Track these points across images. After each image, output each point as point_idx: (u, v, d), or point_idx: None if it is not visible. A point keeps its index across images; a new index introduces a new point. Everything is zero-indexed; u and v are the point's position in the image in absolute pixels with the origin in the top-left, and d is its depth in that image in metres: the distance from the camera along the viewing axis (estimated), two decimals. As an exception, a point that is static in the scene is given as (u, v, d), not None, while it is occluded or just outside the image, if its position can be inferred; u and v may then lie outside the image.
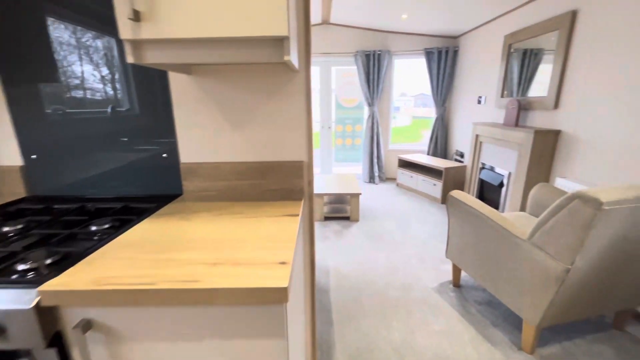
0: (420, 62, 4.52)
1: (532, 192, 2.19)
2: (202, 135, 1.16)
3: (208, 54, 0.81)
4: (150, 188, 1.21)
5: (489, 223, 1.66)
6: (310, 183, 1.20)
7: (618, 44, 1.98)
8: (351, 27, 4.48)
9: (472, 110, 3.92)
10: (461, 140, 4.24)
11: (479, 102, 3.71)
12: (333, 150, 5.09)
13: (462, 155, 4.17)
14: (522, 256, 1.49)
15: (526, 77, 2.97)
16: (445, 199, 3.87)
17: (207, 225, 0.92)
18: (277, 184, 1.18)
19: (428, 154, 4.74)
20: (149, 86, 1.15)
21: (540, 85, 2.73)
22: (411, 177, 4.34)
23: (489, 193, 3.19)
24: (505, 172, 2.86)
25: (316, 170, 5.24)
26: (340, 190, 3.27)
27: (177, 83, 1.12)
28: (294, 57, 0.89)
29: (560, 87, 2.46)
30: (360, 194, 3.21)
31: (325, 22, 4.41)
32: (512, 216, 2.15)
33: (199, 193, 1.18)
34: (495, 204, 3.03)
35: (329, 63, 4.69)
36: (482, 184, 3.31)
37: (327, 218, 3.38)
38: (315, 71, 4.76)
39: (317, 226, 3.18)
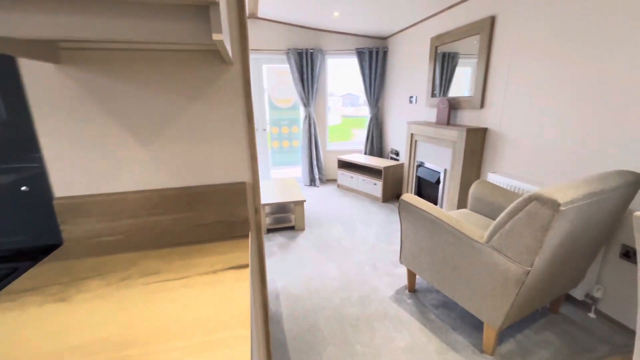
0: (353, 62, 4.51)
1: (472, 189, 2.27)
2: (88, 154, 0.79)
3: (84, 25, 0.49)
4: (3, 238, 0.78)
5: (445, 227, 1.60)
6: (258, 210, 0.93)
7: (532, 48, 2.16)
8: (282, 23, 4.22)
9: (405, 109, 4.05)
10: (396, 139, 4.37)
11: (411, 101, 3.84)
12: (270, 153, 4.77)
13: (397, 154, 4.30)
14: (480, 260, 1.45)
15: (449, 78, 3.15)
16: (386, 197, 3.92)
17: (99, 309, 0.57)
18: (211, 216, 0.87)
19: (365, 153, 4.79)
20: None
21: (468, 85, 2.90)
22: (351, 177, 4.31)
23: (427, 190, 3.31)
24: (441, 169, 2.97)
25: (252, 176, 4.86)
26: (283, 198, 3.01)
27: (38, 75, 0.73)
28: (226, 40, 0.61)
29: (485, 88, 2.62)
30: (305, 200, 3.00)
31: (253, 15, 4.06)
32: (457, 214, 2.19)
33: (90, 241, 0.80)
34: (433, 200, 3.15)
35: (259, 61, 4.35)
36: (420, 181, 3.42)
37: (270, 230, 3.08)
38: (244, 69, 4.37)
39: (260, 241, 2.86)
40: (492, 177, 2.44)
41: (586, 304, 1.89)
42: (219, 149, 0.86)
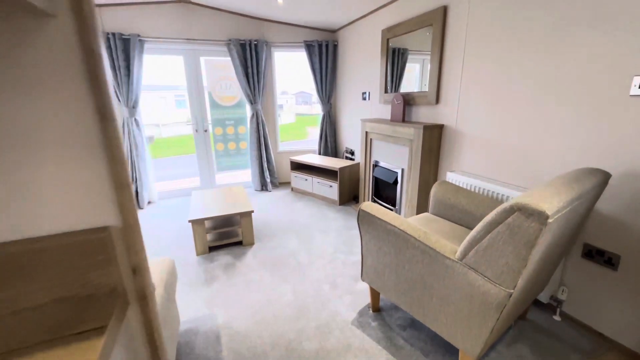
0: (302, 56, 4.20)
1: (433, 190, 2.10)
2: None
3: None
4: None
5: (411, 242, 1.37)
6: (140, 270, 0.56)
7: (486, 40, 2.05)
8: (221, 10, 3.74)
9: (358, 106, 3.85)
10: (350, 137, 4.16)
11: (364, 98, 3.65)
12: (213, 157, 4.26)
13: (352, 153, 4.10)
14: (454, 280, 1.24)
15: (400, 74, 3.00)
16: (343, 199, 3.69)
17: None
18: (41, 293, 0.49)
19: (319, 153, 4.52)
20: None
21: (418, 81, 2.76)
22: (306, 180, 4.01)
23: (385, 191, 3.14)
24: (398, 169, 2.80)
25: (195, 183, 4.31)
26: (227, 209, 2.59)
27: None
28: None
29: (439, 82, 2.49)
30: (252, 211, 2.62)
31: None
32: (418, 219, 2.00)
33: None
34: (391, 202, 2.98)
35: (196, 52, 3.82)
36: (377, 182, 3.23)
37: (213, 248, 2.65)
38: (178, 61, 3.81)
39: (199, 264, 2.42)
40: (451, 177, 2.31)
41: (551, 306, 1.82)
42: (51, 171, 0.49)
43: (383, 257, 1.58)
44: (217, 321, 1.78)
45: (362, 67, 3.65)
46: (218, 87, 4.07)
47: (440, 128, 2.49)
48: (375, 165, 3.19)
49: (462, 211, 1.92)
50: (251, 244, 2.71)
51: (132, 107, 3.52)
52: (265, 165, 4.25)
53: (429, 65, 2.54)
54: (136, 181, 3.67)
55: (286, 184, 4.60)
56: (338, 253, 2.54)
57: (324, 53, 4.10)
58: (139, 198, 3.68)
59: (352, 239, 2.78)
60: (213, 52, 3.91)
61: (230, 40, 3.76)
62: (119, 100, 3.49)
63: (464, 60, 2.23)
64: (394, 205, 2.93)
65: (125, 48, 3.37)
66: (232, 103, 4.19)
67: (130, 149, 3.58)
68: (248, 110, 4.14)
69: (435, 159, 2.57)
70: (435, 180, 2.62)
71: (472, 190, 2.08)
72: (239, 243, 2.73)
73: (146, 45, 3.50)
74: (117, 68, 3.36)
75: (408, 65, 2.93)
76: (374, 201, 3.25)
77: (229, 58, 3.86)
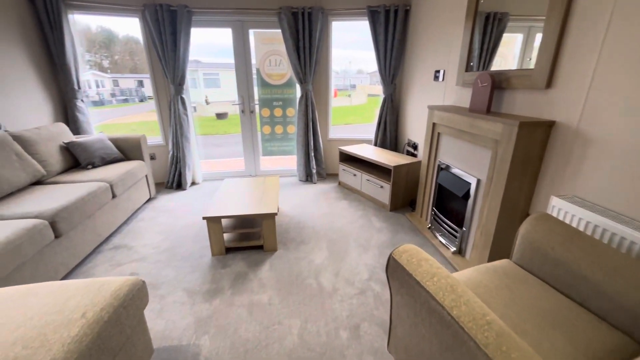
0: (364, 26, 3.49)
1: (525, 228, 1.34)
2: None
3: None
4: None
5: (468, 344, 0.74)
6: None
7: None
8: (271, -28, 3.27)
9: (429, 89, 3.03)
10: (415, 127, 3.38)
11: (437, 77, 2.82)
12: (259, 141, 3.97)
13: (415, 147, 3.33)
14: None
15: (492, 47, 2.11)
16: (395, 205, 3.02)
17: None
18: None
19: (375, 144, 3.84)
20: None
21: (522, 55, 1.87)
22: (354, 175, 3.42)
23: (450, 203, 2.38)
24: (472, 179, 2.02)
25: (240, 166, 4.10)
26: (248, 208, 2.22)
27: None
28: None
29: (556, 56, 1.60)
30: (276, 213, 2.19)
31: (233, -38, 3.14)
32: (490, 274, 1.29)
33: None
34: (457, 220, 2.22)
35: (244, 24, 3.46)
36: (441, 190, 2.48)
37: (230, 250, 2.33)
38: (225, 34, 3.51)
39: (209, 268, 2.12)
40: (558, 206, 1.48)
41: None
42: None
43: (419, 340, 0.97)
44: (198, 355, 1.44)
45: (438, 37, 2.79)
46: (267, 63, 3.68)
47: (548, 126, 1.64)
48: (442, 168, 2.43)
49: (575, 274, 1.15)
50: (273, 250, 2.32)
51: (178, 85, 3.37)
52: (311, 153, 3.78)
53: (538, 35, 1.66)
54: (179, 161, 3.60)
55: (334, 176, 4.08)
56: (373, 282, 1.96)
57: (391, 20, 3.31)
58: (182, 179, 3.62)
59: (395, 263, 2.16)
60: (263, 23, 3.49)
61: (281, 8, 3.27)
62: (166, 77, 3.37)
63: (611, 22, 1.33)
64: (460, 225, 2.18)
65: (173, 20, 3.17)
66: (282, 81, 3.77)
67: (175, 128, 3.48)
68: (298, 91, 3.68)
69: (533, 173, 1.73)
70: (527, 205, 1.79)
71: (599, 237, 1.26)
72: (260, 247, 2.36)
73: (194, 17, 3.25)
74: (163, 43, 3.21)
75: (505, 36, 2.04)
76: (434, 214, 2.52)
77: (280, 30, 3.40)
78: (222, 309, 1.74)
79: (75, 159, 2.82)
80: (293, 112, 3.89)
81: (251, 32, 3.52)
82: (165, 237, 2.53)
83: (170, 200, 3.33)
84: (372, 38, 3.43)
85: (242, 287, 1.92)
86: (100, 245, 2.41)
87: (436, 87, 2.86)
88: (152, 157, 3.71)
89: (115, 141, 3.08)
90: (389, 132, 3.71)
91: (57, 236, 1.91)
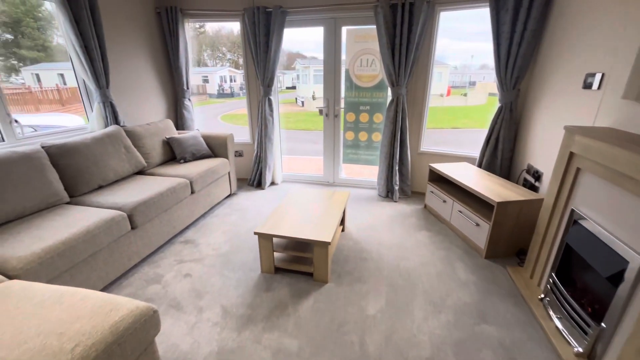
0: (481, 15, 2.73)
1: None
2: None
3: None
4: None
5: None
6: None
7: None
8: (372, -40, 2.88)
9: (571, 100, 2.14)
10: (541, 152, 2.49)
11: (589, 85, 1.93)
12: (341, 147, 3.70)
13: (537, 178, 2.45)
14: None
15: None
16: (494, 252, 2.29)
17: None
18: None
19: (479, 164, 3.04)
20: None
21: None
22: (444, 201, 2.78)
23: (584, 277, 1.58)
24: (635, 257, 1.24)
25: (318, 173, 3.94)
26: (301, 230, 1.99)
27: None
28: None
29: None
30: (328, 243, 1.88)
31: (332, -46, 2.89)
32: None
33: None
34: (594, 310, 1.44)
35: (337, 21, 3.20)
36: (571, 255, 1.68)
37: (279, 270, 2.16)
38: (317, 33, 3.33)
39: (252, 287, 1.98)
40: None
41: None
42: None
43: None
44: (203, 404, 1.28)
45: (599, 24, 1.89)
46: (357, 64, 3.34)
47: None
48: (577, 221, 1.64)
49: None
50: (323, 281, 2.03)
51: (267, 86, 3.40)
52: (396, 167, 3.28)
53: None
54: (261, 161, 3.67)
55: (421, 196, 3.47)
56: (436, 366, 1.44)
57: (524, 4, 2.46)
58: (262, 179, 3.69)
59: (479, 342, 1.56)
60: (357, 19, 3.15)
61: (378, 1, 2.87)
62: (257, 77, 3.44)
63: None
64: (597, 318, 1.40)
65: (267, 22, 3.17)
66: (372, 83, 3.37)
67: (260, 128, 3.55)
68: (389, 95, 3.22)
69: None
70: None
71: None
72: (310, 274, 2.10)
73: (287, 18, 3.18)
74: (257, 44, 3.25)
75: None
76: (553, 283, 1.74)
77: (374, 26, 3.00)
78: (248, 345, 1.56)
79: (173, 153, 3.15)
80: (381, 118, 3.45)
81: (344, 29, 3.23)
82: (227, 239, 2.56)
83: (247, 198, 3.42)
84: (492, 28, 2.66)
85: (277, 321, 1.70)
86: (175, 236, 2.61)
87: (585, 100, 1.97)
88: (240, 154, 3.91)
89: (207, 138, 3.33)
90: (501, 152, 2.87)
91: (133, 227, 2.10)
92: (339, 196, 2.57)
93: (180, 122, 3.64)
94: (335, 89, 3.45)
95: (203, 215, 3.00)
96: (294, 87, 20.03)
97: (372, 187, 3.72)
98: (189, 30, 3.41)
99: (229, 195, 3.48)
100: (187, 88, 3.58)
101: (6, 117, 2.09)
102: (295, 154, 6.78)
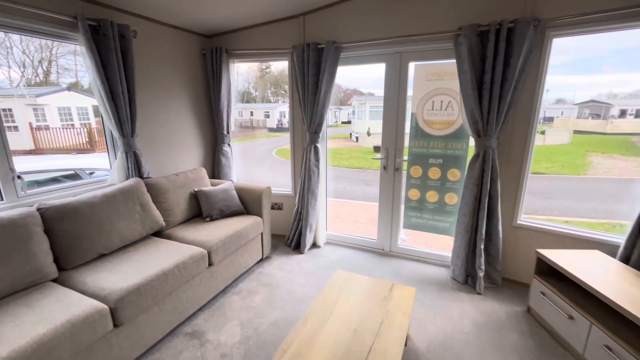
0: (613, 39, 1.86)
1: None
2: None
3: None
4: None
5: None
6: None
7: None
8: (453, -19, 2.26)
9: None
10: None
11: None
12: (401, 209, 2.91)
13: None
14: None
15: None
16: None
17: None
18: None
19: (626, 259, 1.96)
20: None
21: None
22: (570, 318, 1.77)
23: None
24: None
25: (371, 236, 3.17)
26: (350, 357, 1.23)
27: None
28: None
29: None
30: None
31: (400, -22, 2.35)
32: None
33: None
34: None
35: (402, 56, 2.58)
36: None
37: None
38: (378, 70, 2.74)
39: None
40: None
41: None
42: None
43: None
44: None
45: None
46: (428, 107, 2.63)
47: None
48: None
49: None
50: None
51: (314, 132, 2.86)
52: (480, 244, 2.37)
53: None
54: (302, 219, 3.05)
55: (519, 287, 2.45)
56: None
57: None
58: (301, 240, 3.05)
59: None
60: (428, 53, 2.50)
61: (461, 28, 2.19)
62: (303, 122, 2.94)
63: None
64: None
65: (318, 60, 2.70)
66: (447, 131, 2.61)
67: (303, 180, 2.97)
68: (472, 147, 2.42)
69: None
70: None
71: None
72: None
73: (342, 54, 2.67)
74: (305, 85, 2.78)
75: None
76: None
77: (453, 60, 2.30)
78: None
79: (200, 207, 2.71)
80: (458, 175, 2.62)
81: (411, 65, 2.59)
82: (243, 338, 1.90)
83: (281, 267, 2.78)
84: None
85: None
86: (180, 325, 2.03)
87: None
88: (279, 207, 3.36)
89: (240, 191, 2.85)
90: (670, 244, 1.79)
91: (117, 325, 1.57)
92: (401, 294, 1.77)
93: (216, 169, 3.27)
94: (397, 136, 2.76)
95: (223, 291, 2.42)
96: (349, 122, 19.92)
97: (442, 263, 2.80)
98: (234, 71, 3.12)
99: (260, 260, 2.89)
100: (227, 132, 3.23)
101: (8, 173, 1.82)
102: (344, 197, 6.11)
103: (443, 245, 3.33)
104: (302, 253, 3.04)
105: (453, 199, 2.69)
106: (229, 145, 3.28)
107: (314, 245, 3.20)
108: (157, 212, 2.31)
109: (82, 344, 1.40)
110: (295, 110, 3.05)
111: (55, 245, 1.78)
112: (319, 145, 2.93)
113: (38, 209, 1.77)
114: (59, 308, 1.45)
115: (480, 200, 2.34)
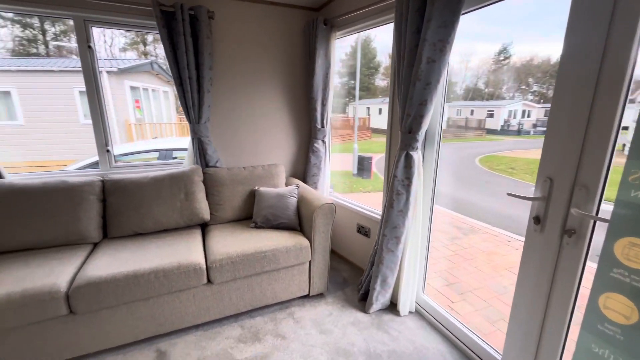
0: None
1: None
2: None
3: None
4: None
5: None
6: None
7: None
8: None
9: None
10: None
11: None
12: (576, 330, 1.20)
13: None
14: None
15: None
16: None
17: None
18: None
19: None
20: None
21: None
22: None
23: None
24: None
25: (487, 357, 1.60)
26: None
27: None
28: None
29: None
30: None
31: None
32: None
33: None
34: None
35: None
36: None
37: None
38: None
39: None
40: None
41: None
42: None
43: None
44: None
45: None
46: None
47: None
48: None
49: None
50: None
51: (408, 132, 1.71)
52: None
53: None
54: (374, 264, 2.00)
55: None
56: None
57: None
58: (370, 291, 2.02)
59: None
60: None
61: None
62: (399, 113, 1.82)
63: None
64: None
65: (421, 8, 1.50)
66: None
67: (384, 206, 1.90)
68: None
69: None
70: None
71: None
72: None
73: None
74: (401, 53, 1.66)
75: None
76: None
77: None
78: None
79: (258, 210, 2.35)
80: None
81: None
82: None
83: (318, 320, 1.96)
84: None
85: None
86: (159, 338, 1.80)
87: None
88: (365, 234, 2.42)
89: (301, 201, 2.22)
90: None
91: (73, 312, 1.53)
92: None
93: (307, 166, 2.77)
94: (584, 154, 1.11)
95: (233, 317, 1.97)
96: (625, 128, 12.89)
97: None
98: (333, 48, 2.42)
99: (306, 297, 2.18)
100: (322, 126, 2.62)
101: (103, 147, 2.20)
102: (486, 221, 3.78)
103: None
104: (365, 312, 2.03)
105: None
106: (322, 141, 2.68)
107: (392, 307, 2.05)
108: (201, 205, 2.17)
109: (29, 319, 1.44)
110: (395, 94, 1.97)
111: (105, 215, 2.01)
112: (414, 153, 1.74)
113: (102, 180, 2.04)
114: (22, 275, 1.53)
115: None
